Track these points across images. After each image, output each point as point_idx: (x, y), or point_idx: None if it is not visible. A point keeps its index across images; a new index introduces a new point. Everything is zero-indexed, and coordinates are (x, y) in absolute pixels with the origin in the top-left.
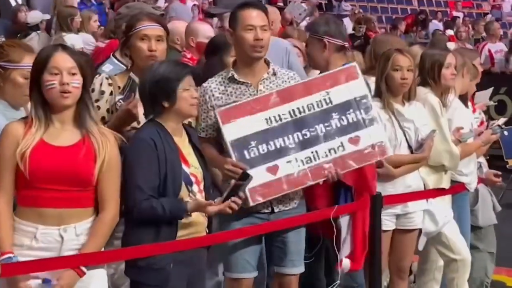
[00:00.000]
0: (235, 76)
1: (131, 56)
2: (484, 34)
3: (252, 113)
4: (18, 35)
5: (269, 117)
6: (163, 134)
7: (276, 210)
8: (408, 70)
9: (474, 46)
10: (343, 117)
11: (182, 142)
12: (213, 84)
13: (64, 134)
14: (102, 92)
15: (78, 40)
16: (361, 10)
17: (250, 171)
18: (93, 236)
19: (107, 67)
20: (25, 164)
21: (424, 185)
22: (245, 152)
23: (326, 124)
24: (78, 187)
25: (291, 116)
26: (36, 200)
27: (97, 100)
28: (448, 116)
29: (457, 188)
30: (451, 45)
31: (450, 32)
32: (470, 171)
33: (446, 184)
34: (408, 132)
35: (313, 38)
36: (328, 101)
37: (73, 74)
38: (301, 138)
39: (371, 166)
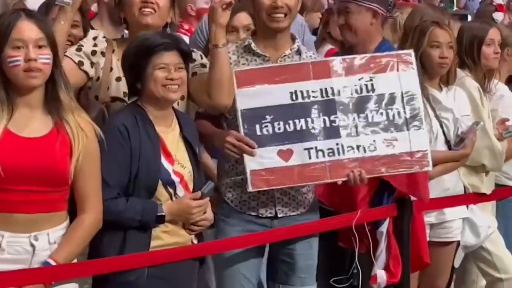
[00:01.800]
0: (252, 45)
1: (125, 19)
2: None
3: (276, 81)
4: None
5: (295, 91)
6: (142, 121)
7: (280, 214)
8: (448, 48)
9: None
10: (383, 111)
11: (169, 133)
12: (233, 57)
13: (33, 122)
14: (94, 52)
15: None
16: None
17: (258, 151)
18: (66, 241)
19: None
20: None
21: (464, 188)
22: (257, 126)
23: (361, 115)
24: (52, 187)
25: (322, 96)
26: (1, 203)
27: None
28: (491, 106)
29: (502, 193)
30: (498, 17)
31: (498, 0)
32: None
33: (487, 189)
34: (446, 124)
35: (360, 6)
36: (370, 87)
37: (41, 47)
38: (328, 124)
39: None
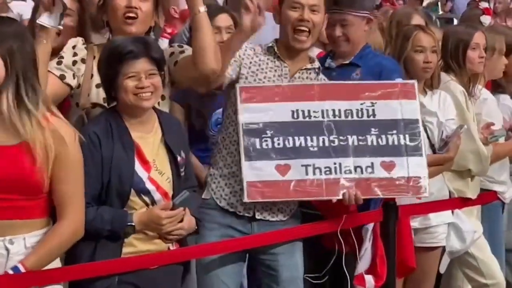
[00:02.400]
0: (275, 48)
1: (108, 22)
2: None
3: (279, 100)
4: None
5: (297, 110)
6: (117, 127)
7: (258, 216)
8: (432, 52)
9: None
10: (383, 136)
11: (148, 139)
12: (249, 50)
13: (2, 131)
14: (74, 62)
15: (27, 8)
16: None
17: (256, 163)
18: (39, 247)
19: None
20: None
21: (449, 193)
22: (257, 140)
23: (360, 137)
24: (25, 195)
25: (323, 117)
26: None
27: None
28: (475, 110)
29: (487, 198)
30: (486, 20)
31: (484, 4)
32: (505, 178)
33: (472, 193)
34: (430, 128)
35: (356, 17)
36: (371, 112)
37: None
38: (326, 144)
39: None
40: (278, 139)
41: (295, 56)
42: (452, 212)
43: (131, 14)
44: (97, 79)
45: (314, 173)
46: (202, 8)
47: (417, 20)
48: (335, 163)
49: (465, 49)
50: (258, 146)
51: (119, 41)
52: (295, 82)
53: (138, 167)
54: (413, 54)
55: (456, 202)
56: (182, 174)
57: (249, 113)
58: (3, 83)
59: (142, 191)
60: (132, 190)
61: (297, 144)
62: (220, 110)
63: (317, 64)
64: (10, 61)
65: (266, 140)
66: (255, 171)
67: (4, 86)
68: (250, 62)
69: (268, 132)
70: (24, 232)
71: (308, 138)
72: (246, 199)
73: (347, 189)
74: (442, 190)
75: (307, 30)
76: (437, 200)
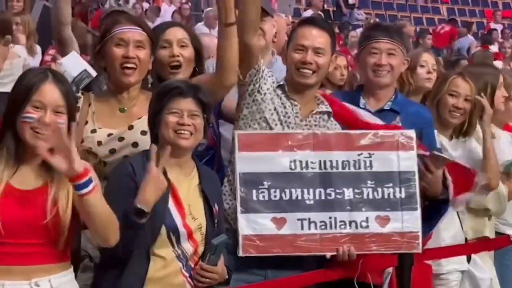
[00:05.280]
0: (286, 87)
1: (106, 68)
2: None
3: (277, 148)
4: None
5: (295, 160)
6: None
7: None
8: (465, 100)
9: None
10: (379, 189)
11: (184, 182)
12: (270, 79)
13: (30, 176)
14: None
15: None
16: (377, 19)
17: (252, 216)
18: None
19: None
20: None
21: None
22: (254, 191)
23: (356, 191)
24: (47, 239)
25: (320, 168)
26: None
27: None
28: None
29: (500, 242)
30: (498, 65)
31: (494, 48)
32: None
33: (490, 232)
34: None
35: (403, 53)
36: (368, 164)
37: (59, 113)
38: (323, 197)
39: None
40: (275, 191)
41: (303, 95)
42: (468, 258)
43: (129, 65)
44: (92, 125)
45: (309, 228)
46: (234, 19)
47: (426, 57)
48: (330, 218)
49: (494, 90)
50: (254, 198)
51: (172, 80)
52: (307, 124)
53: (172, 206)
54: (446, 97)
55: (472, 247)
56: (215, 225)
57: (247, 163)
58: None
59: (172, 229)
60: (163, 227)
61: (294, 196)
62: None
63: (328, 107)
64: (70, 119)
65: (263, 192)
66: (250, 224)
67: None
68: (267, 89)
69: (265, 183)
70: (49, 274)
71: (305, 190)
72: (240, 253)
73: (342, 245)
74: (457, 237)
75: (311, 71)
76: (453, 245)
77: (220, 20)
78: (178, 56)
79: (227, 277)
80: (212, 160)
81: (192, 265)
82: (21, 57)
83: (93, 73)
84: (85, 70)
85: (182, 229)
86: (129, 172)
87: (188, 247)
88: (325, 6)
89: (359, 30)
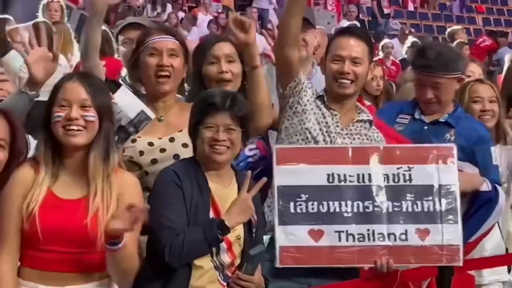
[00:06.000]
0: (325, 98)
1: (141, 79)
2: None
3: (315, 162)
4: None
5: (333, 173)
6: (195, 173)
7: None
8: (490, 102)
9: None
10: (418, 202)
11: (223, 194)
12: (309, 90)
13: (71, 185)
14: None
15: None
16: (412, 30)
17: (290, 228)
18: None
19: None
20: (32, 223)
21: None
22: (291, 204)
23: (395, 203)
24: (85, 248)
25: (358, 181)
26: (37, 261)
27: None
28: None
29: None
30: None
31: None
32: None
33: None
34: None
35: (450, 79)
36: (407, 177)
37: (86, 107)
38: (361, 209)
39: None
40: (313, 204)
41: (342, 105)
42: (509, 270)
43: (163, 73)
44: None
45: (347, 240)
46: (259, 62)
47: (473, 68)
48: (368, 230)
49: None
50: (292, 210)
51: (209, 92)
52: (348, 133)
53: (212, 217)
54: (471, 105)
55: None
56: (253, 235)
57: (285, 176)
58: (95, 138)
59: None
60: None
61: (332, 209)
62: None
63: (369, 116)
64: (102, 115)
65: (301, 204)
66: (288, 236)
67: (96, 142)
68: (307, 100)
69: (303, 196)
70: (82, 283)
71: (343, 203)
72: (278, 264)
73: (380, 257)
74: (498, 247)
75: (349, 81)
76: (495, 255)
77: (246, 65)
78: (226, 72)
79: (264, 286)
80: (265, 171)
81: (229, 274)
82: (62, 65)
83: (151, 115)
84: (142, 111)
85: (222, 243)
86: (175, 178)
87: (226, 259)
88: (360, 16)
89: (394, 40)
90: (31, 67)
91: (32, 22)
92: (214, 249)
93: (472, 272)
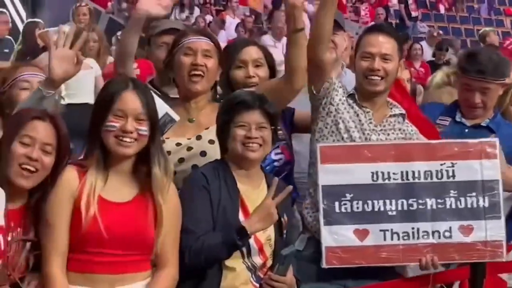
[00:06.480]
0: (356, 96)
1: (174, 79)
2: None
3: (358, 160)
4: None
5: (377, 172)
6: (224, 175)
7: None
8: None
9: None
10: (462, 199)
11: (253, 195)
12: (340, 90)
13: (120, 189)
14: None
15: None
16: (440, 32)
17: (335, 228)
18: None
19: None
20: (93, 225)
21: None
22: (336, 203)
23: (439, 201)
24: (137, 251)
25: (402, 179)
26: (85, 265)
27: None
28: None
29: None
30: None
31: None
32: None
33: None
34: None
35: (499, 84)
36: (451, 174)
37: (140, 120)
38: (405, 207)
39: None
40: (357, 203)
41: (374, 102)
42: None
43: (196, 72)
44: None
45: (392, 238)
46: (303, 25)
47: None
48: (413, 228)
49: None
50: (337, 210)
51: (237, 92)
52: (382, 129)
53: (242, 219)
54: (510, 108)
55: None
56: (284, 236)
57: (329, 175)
58: (152, 151)
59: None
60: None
61: (376, 208)
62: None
63: (401, 110)
64: (154, 127)
65: (345, 204)
66: (333, 236)
67: (153, 154)
68: (339, 100)
69: (347, 195)
70: (131, 282)
71: (387, 201)
72: (324, 265)
73: (424, 255)
74: None
75: (379, 78)
76: None
77: (289, 27)
78: (254, 76)
79: (296, 287)
80: (290, 175)
81: (261, 275)
82: (93, 68)
83: (176, 117)
84: (166, 113)
85: (253, 244)
86: (204, 181)
87: (258, 260)
88: (388, 19)
89: (423, 43)
90: (51, 62)
91: (61, 26)
92: (245, 251)
93: (505, 277)
